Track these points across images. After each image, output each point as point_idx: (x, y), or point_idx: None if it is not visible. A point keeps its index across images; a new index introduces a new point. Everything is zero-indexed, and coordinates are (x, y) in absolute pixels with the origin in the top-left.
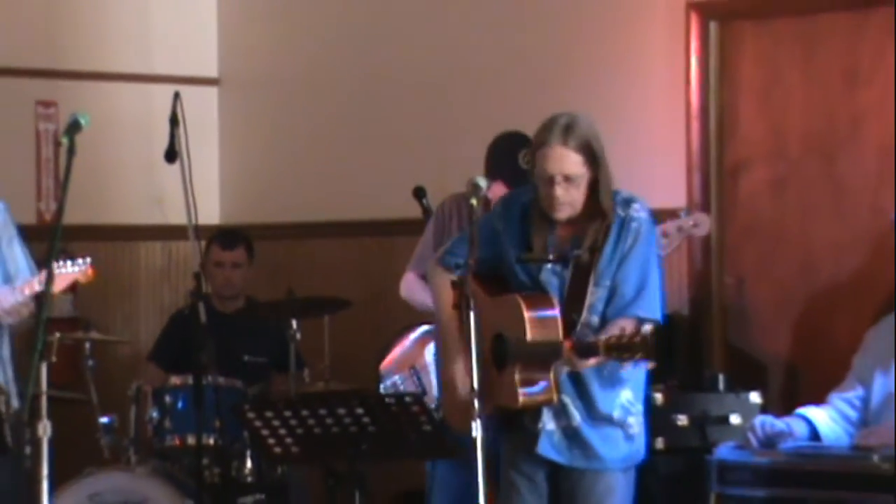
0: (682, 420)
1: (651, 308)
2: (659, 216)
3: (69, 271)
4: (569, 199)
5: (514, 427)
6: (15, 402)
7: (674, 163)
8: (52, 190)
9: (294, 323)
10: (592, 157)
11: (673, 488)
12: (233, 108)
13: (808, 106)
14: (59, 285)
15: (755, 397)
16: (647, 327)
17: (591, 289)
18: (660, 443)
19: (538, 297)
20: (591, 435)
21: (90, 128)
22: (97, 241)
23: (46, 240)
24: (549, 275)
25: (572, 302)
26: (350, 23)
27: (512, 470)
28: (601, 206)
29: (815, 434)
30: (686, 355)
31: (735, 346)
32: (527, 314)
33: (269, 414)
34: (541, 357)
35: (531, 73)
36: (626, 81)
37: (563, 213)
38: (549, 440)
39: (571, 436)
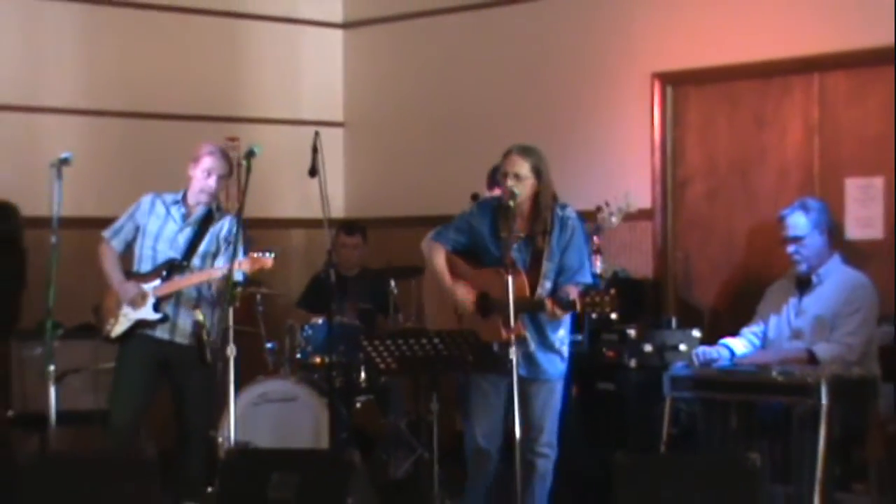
0: (648, 348)
1: (586, 276)
2: (635, 214)
3: (262, 258)
4: (518, 191)
5: (486, 353)
6: (213, 334)
7: (643, 178)
8: (236, 195)
9: (392, 283)
10: (538, 171)
11: (642, 393)
12: (353, 140)
13: (731, 141)
14: (253, 267)
15: (696, 333)
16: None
17: (545, 263)
18: (633, 363)
19: (512, 269)
20: (541, 357)
21: (261, 155)
22: (263, 229)
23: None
24: (516, 252)
25: (532, 272)
26: (428, 77)
27: (482, 380)
28: (542, 209)
29: (733, 356)
30: (651, 305)
31: (683, 298)
32: (509, 280)
33: (376, 342)
34: (519, 309)
35: (548, 117)
36: (612, 125)
37: (513, 201)
38: (512, 361)
39: (528, 357)
